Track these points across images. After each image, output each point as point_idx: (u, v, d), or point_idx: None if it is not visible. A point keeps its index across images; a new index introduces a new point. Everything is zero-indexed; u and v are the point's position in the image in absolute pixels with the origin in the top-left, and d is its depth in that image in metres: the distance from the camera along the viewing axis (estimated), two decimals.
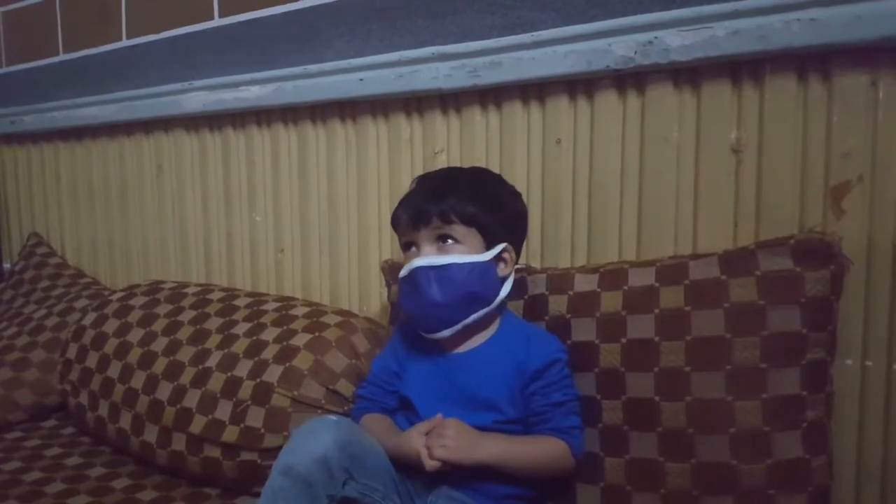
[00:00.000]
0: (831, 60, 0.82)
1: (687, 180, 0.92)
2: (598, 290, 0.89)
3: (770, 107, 0.86)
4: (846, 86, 0.82)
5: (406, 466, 0.83)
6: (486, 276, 0.86)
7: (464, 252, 0.85)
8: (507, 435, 0.83)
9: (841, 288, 0.78)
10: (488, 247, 0.87)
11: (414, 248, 0.88)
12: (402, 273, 0.87)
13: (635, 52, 0.91)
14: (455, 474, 0.80)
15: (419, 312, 0.87)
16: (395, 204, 0.91)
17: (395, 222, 0.90)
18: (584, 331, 0.88)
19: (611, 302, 0.88)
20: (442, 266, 0.84)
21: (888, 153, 0.80)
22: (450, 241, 0.85)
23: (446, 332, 0.86)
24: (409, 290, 0.87)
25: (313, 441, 0.75)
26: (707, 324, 0.81)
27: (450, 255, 0.85)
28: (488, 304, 0.86)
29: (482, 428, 0.82)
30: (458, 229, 0.85)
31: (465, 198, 0.86)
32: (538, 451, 0.82)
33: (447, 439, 0.77)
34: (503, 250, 0.88)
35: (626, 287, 0.88)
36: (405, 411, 0.90)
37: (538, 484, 0.85)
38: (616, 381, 0.84)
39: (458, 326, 0.86)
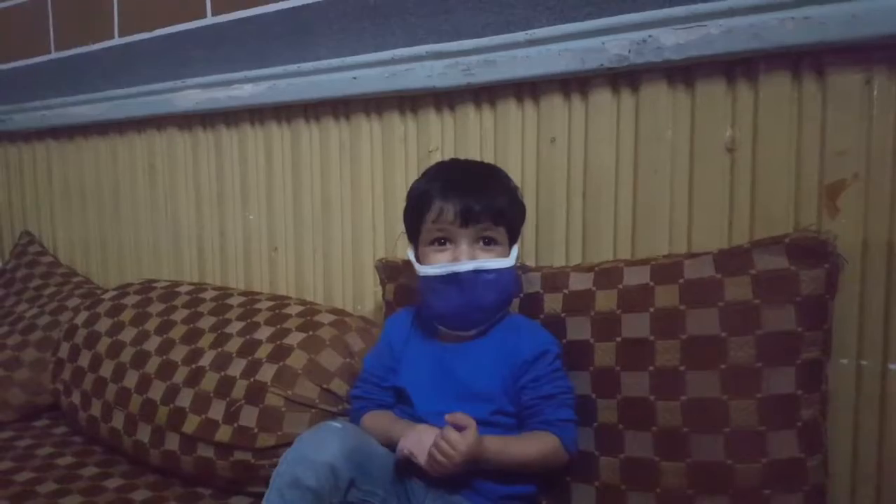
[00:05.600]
0: (825, 58, 0.82)
1: (681, 179, 0.92)
2: (593, 288, 0.89)
3: (764, 105, 0.86)
4: (841, 84, 0.81)
5: (405, 469, 0.82)
6: (515, 277, 0.89)
7: (501, 253, 0.86)
8: (501, 435, 0.82)
9: (836, 287, 0.78)
10: (510, 245, 0.88)
11: (448, 245, 0.85)
12: (437, 272, 0.84)
13: (629, 51, 0.90)
14: (453, 477, 0.80)
15: (459, 313, 0.85)
16: (390, 202, 0.90)
17: (438, 214, 0.84)
18: (578, 329, 0.88)
19: (605, 301, 0.87)
20: (491, 270, 0.83)
21: (883, 151, 0.80)
22: (492, 244, 0.85)
23: (474, 331, 0.86)
24: (446, 290, 0.84)
25: (321, 451, 0.74)
26: (702, 323, 0.80)
27: (497, 259, 0.84)
28: (510, 303, 0.89)
29: (477, 420, 0.81)
30: (501, 232, 0.85)
31: (508, 198, 0.87)
32: (531, 448, 0.81)
33: (454, 460, 0.74)
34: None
35: (620, 286, 0.87)
36: (401, 404, 0.90)
37: (535, 482, 0.85)
38: (611, 381, 0.84)
39: (488, 324, 0.87)
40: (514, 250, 0.87)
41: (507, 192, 0.88)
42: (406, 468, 0.82)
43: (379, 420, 0.88)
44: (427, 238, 0.87)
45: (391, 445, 0.82)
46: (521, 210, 0.91)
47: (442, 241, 0.85)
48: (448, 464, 0.74)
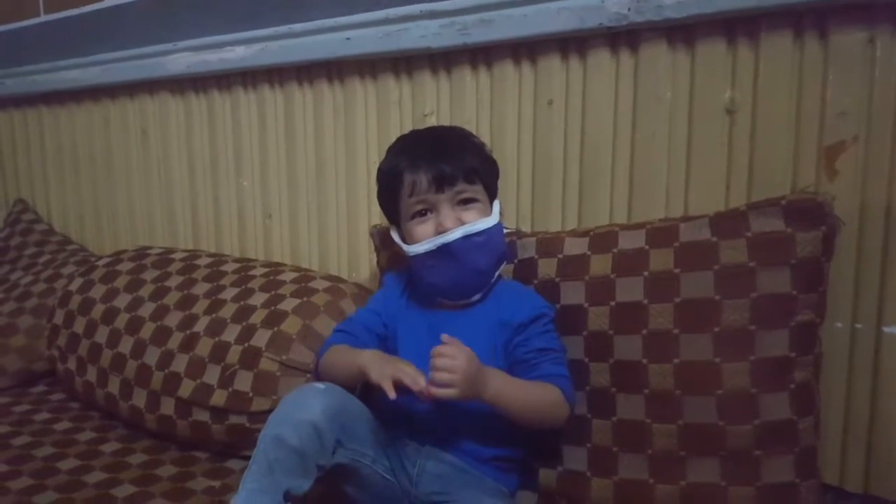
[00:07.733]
0: (828, 17, 0.80)
1: (680, 141, 0.91)
2: (588, 253, 0.88)
3: (765, 66, 0.84)
4: (843, 43, 0.80)
5: (395, 426, 0.83)
6: (503, 233, 0.88)
7: (483, 211, 0.84)
8: (504, 374, 0.80)
9: (832, 249, 0.78)
10: (490, 202, 0.87)
11: (430, 215, 0.83)
12: (426, 248, 0.82)
13: (629, 9, 0.88)
14: (445, 435, 0.81)
15: (458, 281, 0.83)
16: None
17: (412, 187, 0.83)
18: (573, 294, 0.87)
19: (600, 265, 0.87)
20: (481, 232, 0.82)
21: (884, 112, 0.79)
22: (471, 202, 0.84)
23: (477, 296, 0.86)
24: (439, 263, 0.82)
25: (303, 410, 0.73)
26: (696, 286, 0.80)
27: (483, 221, 0.83)
28: (504, 261, 0.88)
29: None
30: (478, 189, 0.84)
31: (477, 155, 0.85)
32: (537, 393, 0.79)
33: (456, 373, 0.71)
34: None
35: (615, 250, 0.87)
36: None
37: (526, 445, 0.85)
38: (604, 344, 0.84)
39: (487, 288, 0.86)
40: (496, 205, 0.87)
41: (475, 148, 0.87)
42: (397, 426, 0.82)
43: (340, 353, 0.85)
44: (407, 213, 0.85)
45: (355, 374, 0.79)
46: (492, 165, 0.89)
47: (423, 213, 0.84)
48: (450, 377, 0.71)
